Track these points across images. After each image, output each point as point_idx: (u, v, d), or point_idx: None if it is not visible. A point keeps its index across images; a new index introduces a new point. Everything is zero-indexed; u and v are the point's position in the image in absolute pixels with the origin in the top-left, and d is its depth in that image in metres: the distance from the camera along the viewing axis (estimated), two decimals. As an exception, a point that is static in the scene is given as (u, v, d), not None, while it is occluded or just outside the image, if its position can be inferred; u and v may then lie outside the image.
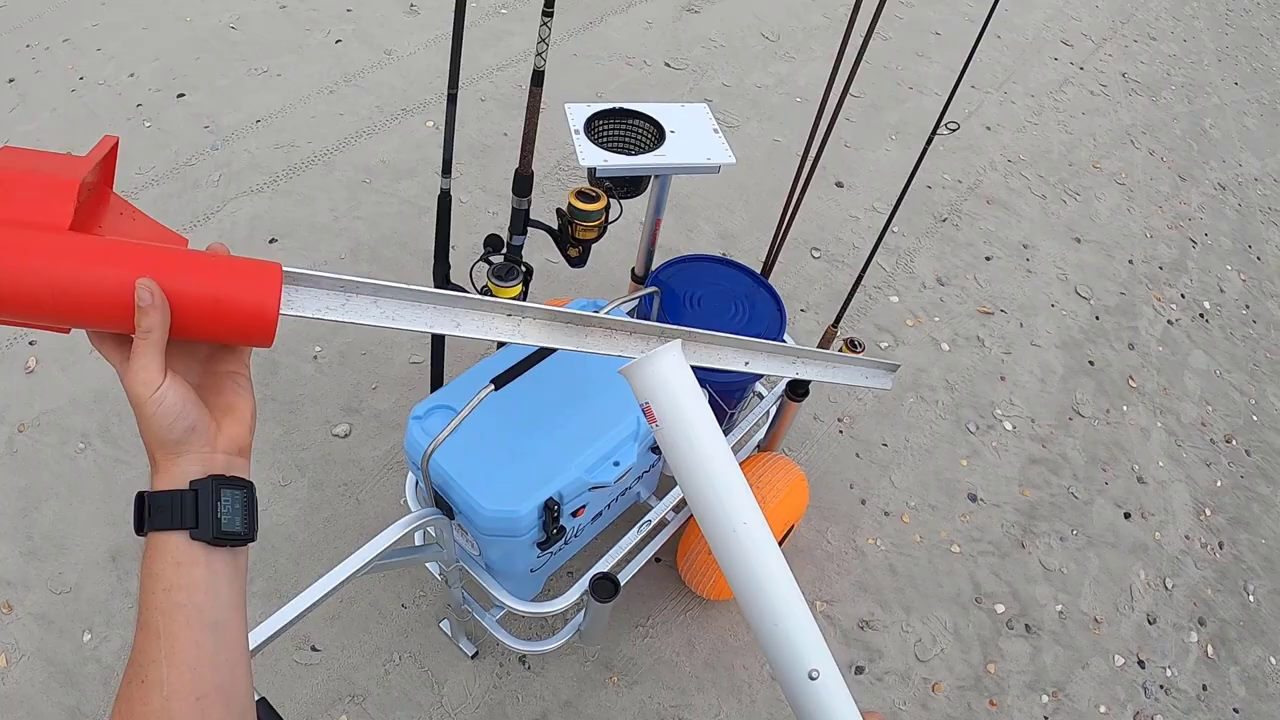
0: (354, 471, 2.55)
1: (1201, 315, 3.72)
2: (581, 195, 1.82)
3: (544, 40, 1.62)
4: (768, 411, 2.32)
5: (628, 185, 1.91)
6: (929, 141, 2.02)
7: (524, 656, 2.24)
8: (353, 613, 2.27)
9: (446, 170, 1.78)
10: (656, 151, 1.86)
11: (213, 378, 0.72)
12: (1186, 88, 5.24)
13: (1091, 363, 3.36)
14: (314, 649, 2.20)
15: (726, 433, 1.94)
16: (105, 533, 2.35)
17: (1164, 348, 3.52)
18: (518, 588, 1.82)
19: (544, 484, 1.60)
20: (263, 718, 1.19)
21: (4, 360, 2.69)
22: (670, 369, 0.81)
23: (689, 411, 0.82)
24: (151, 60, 3.87)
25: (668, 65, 4.35)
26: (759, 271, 2.26)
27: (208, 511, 0.66)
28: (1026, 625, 2.54)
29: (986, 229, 3.82)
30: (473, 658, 2.22)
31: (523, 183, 1.82)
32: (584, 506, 1.76)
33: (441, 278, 1.96)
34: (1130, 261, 3.87)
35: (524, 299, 1.86)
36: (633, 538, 1.91)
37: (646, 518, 1.94)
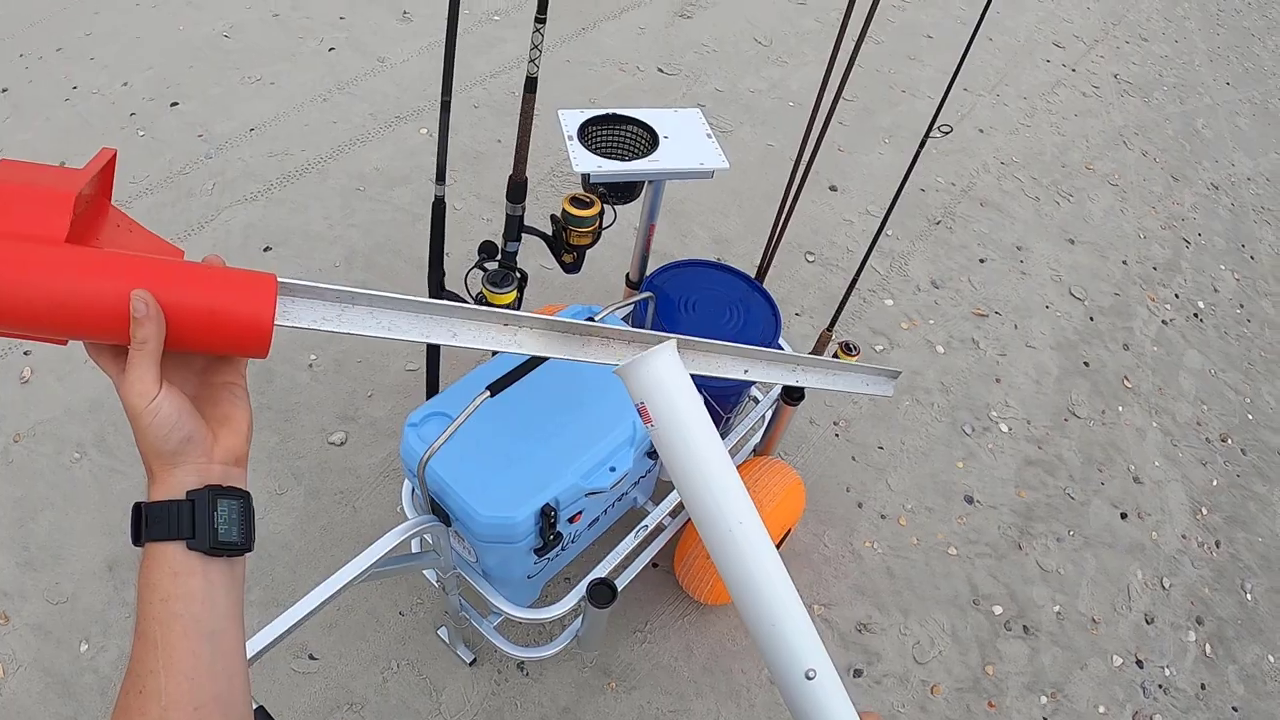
0: (350, 479, 2.55)
1: (1196, 315, 3.73)
2: (575, 201, 1.82)
3: (537, 47, 1.62)
4: (763, 415, 2.32)
5: (622, 191, 1.92)
6: (922, 144, 2.03)
7: (522, 663, 2.24)
8: (350, 621, 2.27)
9: (440, 177, 1.78)
10: (650, 157, 1.86)
11: (209, 388, 0.73)
12: (1178, 88, 5.25)
13: (1086, 364, 3.37)
14: (311, 657, 2.20)
15: (722, 437, 1.94)
16: (102, 543, 2.35)
17: (1159, 348, 3.53)
18: (515, 594, 1.82)
19: (540, 490, 1.60)
20: (261, 727, 1.19)
21: (-1, 371, 2.69)
22: (665, 368, 0.81)
23: (684, 411, 0.82)
24: (145, 69, 3.87)
25: (661, 71, 4.36)
26: (753, 276, 2.27)
27: (204, 521, 0.66)
28: (1024, 626, 2.55)
29: (980, 231, 3.83)
30: (471, 665, 2.21)
31: (517, 189, 1.82)
32: (580, 512, 1.76)
33: (436, 285, 1.96)
34: (1124, 262, 3.88)
35: (519, 305, 1.86)
36: (630, 543, 1.91)
37: (643, 523, 1.94)
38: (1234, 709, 2.50)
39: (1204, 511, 2.98)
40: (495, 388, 1.53)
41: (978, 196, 4.01)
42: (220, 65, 3.96)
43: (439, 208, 1.84)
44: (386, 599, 2.31)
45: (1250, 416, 3.37)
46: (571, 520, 1.74)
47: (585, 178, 1.82)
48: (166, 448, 0.66)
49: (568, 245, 1.89)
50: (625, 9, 4.76)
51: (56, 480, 2.46)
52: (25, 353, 2.73)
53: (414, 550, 1.96)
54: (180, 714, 0.63)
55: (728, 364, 0.97)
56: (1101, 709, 2.42)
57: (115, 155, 0.72)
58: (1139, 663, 2.54)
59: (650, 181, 1.95)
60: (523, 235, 1.90)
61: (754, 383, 2.32)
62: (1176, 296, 3.79)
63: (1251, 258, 4.14)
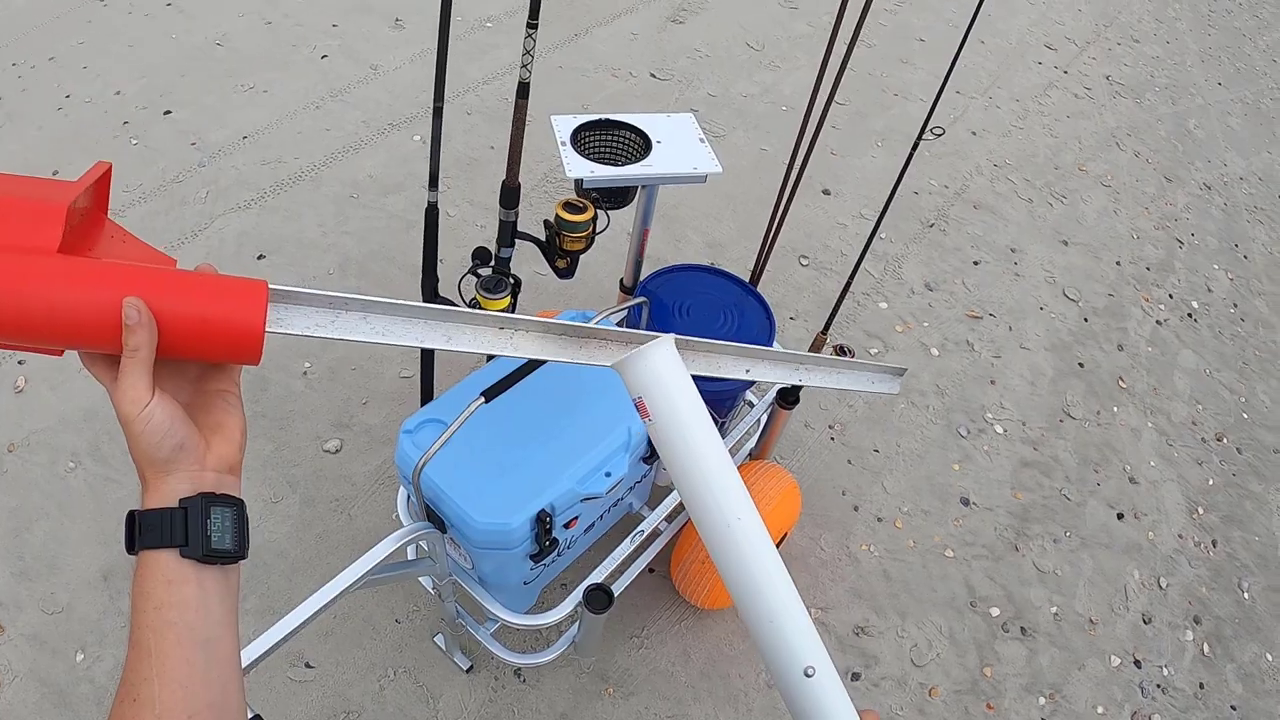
0: (345, 487, 2.54)
1: (1190, 315, 3.74)
2: (569, 207, 1.83)
3: (529, 53, 1.62)
4: (759, 420, 2.32)
5: (615, 196, 1.92)
6: (914, 147, 2.03)
7: (519, 669, 2.24)
8: (346, 629, 2.26)
9: (433, 184, 1.78)
10: (643, 162, 1.86)
11: (203, 396, 0.73)
12: (1170, 89, 5.27)
13: (1081, 364, 3.37)
14: (308, 666, 2.19)
15: (718, 441, 1.94)
16: (97, 552, 2.34)
17: (1153, 348, 3.53)
18: (511, 600, 1.81)
19: (536, 496, 1.60)
20: (256, 736, 1.19)
21: (-8, 381, 2.68)
22: (663, 363, 0.81)
23: (682, 406, 0.81)
24: (138, 78, 3.87)
25: (653, 76, 4.36)
26: (747, 280, 2.27)
27: (197, 529, 0.66)
28: (1022, 628, 2.55)
29: (974, 233, 3.84)
30: (468, 672, 2.21)
31: (510, 195, 1.82)
32: (576, 518, 1.75)
33: (430, 291, 1.96)
34: (1118, 263, 3.89)
35: (513, 311, 1.86)
36: (626, 548, 1.91)
37: (639, 528, 1.94)
38: (1232, 708, 2.50)
39: (1200, 511, 2.98)
40: (490, 394, 1.52)
41: (971, 199, 4.02)
42: (213, 73, 3.96)
43: (432, 214, 1.84)
44: (383, 606, 2.31)
45: (1245, 415, 3.37)
46: (567, 526, 1.74)
47: (578, 183, 1.83)
48: (159, 455, 0.66)
49: (561, 251, 1.89)
50: (617, 14, 4.77)
51: (51, 490, 2.45)
52: (19, 362, 2.72)
53: (410, 557, 1.95)
54: (174, 722, 0.63)
55: (729, 364, 0.96)
56: (1100, 709, 2.42)
57: (111, 168, 0.72)
58: (1137, 663, 2.54)
59: (643, 186, 1.95)
60: (516, 241, 1.90)
61: (752, 384, 2.32)
62: (1170, 297, 3.80)
63: (1245, 257, 4.15)
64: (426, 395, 2.19)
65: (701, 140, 1.94)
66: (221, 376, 0.74)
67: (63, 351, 0.67)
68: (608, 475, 1.69)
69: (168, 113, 3.71)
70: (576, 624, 1.86)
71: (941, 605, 2.55)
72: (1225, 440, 3.26)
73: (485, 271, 1.86)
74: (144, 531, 0.66)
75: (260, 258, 3.14)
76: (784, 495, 2.25)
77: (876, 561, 2.61)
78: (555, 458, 1.67)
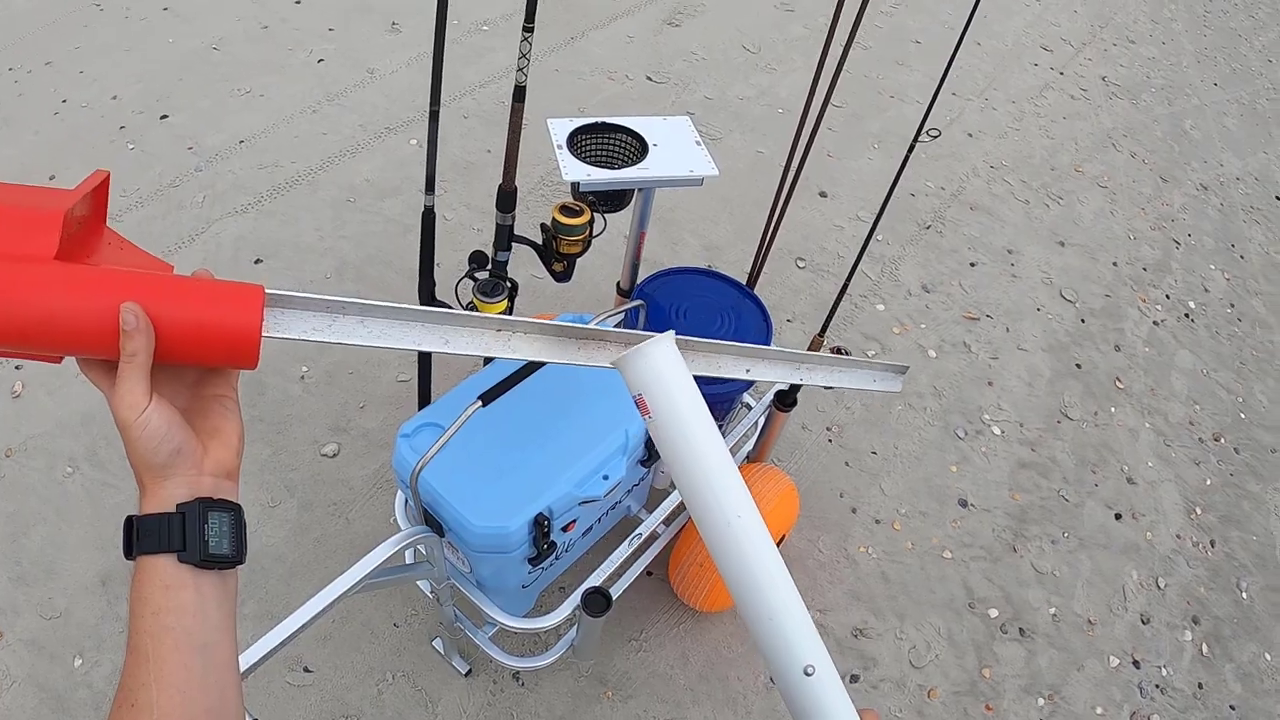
0: (343, 491, 2.54)
1: (1187, 315, 3.75)
2: (565, 210, 1.83)
3: (525, 56, 1.62)
4: (756, 422, 2.32)
5: (611, 199, 1.92)
6: (911, 149, 2.03)
7: (518, 673, 2.24)
8: (344, 633, 2.26)
9: (430, 188, 1.79)
10: (639, 165, 1.86)
11: (200, 401, 0.73)
12: (1166, 90, 5.28)
13: (1078, 365, 3.37)
14: (306, 670, 2.19)
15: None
16: (94, 557, 2.34)
17: (1150, 349, 3.54)
18: (509, 604, 1.81)
19: (533, 499, 1.60)
20: (255, 741, 1.19)
21: (-11, 387, 2.68)
22: (663, 360, 0.81)
23: (683, 403, 0.81)
24: (134, 82, 3.87)
25: (649, 79, 4.37)
26: (744, 283, 2.27)
27: (194, 534, 0.66)
28: (1020, 629, 2.55)
29: (970, 235, 3.84)
30: (466, 675, 2.21)
31: (506, 199, 1.82)
32: (574, 521, 1.76)
33: (427, 295, 1.96)
34: (1114, 264, 3.89)
35: (509, 315, 1.86)
36: (624, 551, 1.91)
37: (637, 531, 1.94)
38: (1231, 708, 2.51)
39: (1198, 511, 2.99)
40: (487, 397, 1.53)
41: (967, 200, 4.02)
42: (209, 78, 3.96)
43: (429, 218, 1.84)
44: (381, 611, 2.31)
45: (1243, 415, 3.38)
46: (565, 529, 1.74)
47: (575, 186, 1.83)
48: (156, 460, 0.67)
49: (558, 254, 1.89)
50: (614, 18, 4.77)
51: (49, 495, 2.45)
52: (16, 367, 2.72)
53: (408, 561, 1.95)
54: (172, 728, 0.63)
55: (729, 363, 0.96)
56: (1099, 710, 2.42)
57: (109, 177, 0.73)
58: (1136, 663, 2.54)
59: (640, 189, 1.95)
60: (513, 244, 1.90)
61: (748, 388, 2.32)
62: (1167, 297, 3.81)
63: (1241, 257, 4.16)
64: (424, 399, 2.19)
65: (698, 143, 1.95)
66: (219, 382, 0.74)
67: (61, 359, 0.68)
68: (605, 478, 1.69)
69: (164, 117, 3.71)
70: (575, 627, 1.86)
71: (940, 607, 2.55)
72: (1223, 440, 3.26)
73: (482, 275, 1.86)
74: (141, 537, 0.66)
75: (257, 262, 3.14)
76: (782, 498, 2.25)
77: (874, 563, 2.61)
78: (553, 461, 1.67)
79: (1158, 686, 2.50)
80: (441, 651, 2.23)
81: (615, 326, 2.00)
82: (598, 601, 1.69)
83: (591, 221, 1.85)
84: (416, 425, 1.68)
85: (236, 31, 4.25)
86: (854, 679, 2.36)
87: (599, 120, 1.94)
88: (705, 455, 0.81)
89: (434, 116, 1.69)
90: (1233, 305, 3.87)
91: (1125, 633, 2.60)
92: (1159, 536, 2.87)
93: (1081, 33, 5.64)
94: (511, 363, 1.69)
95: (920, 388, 3.13)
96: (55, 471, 2.50)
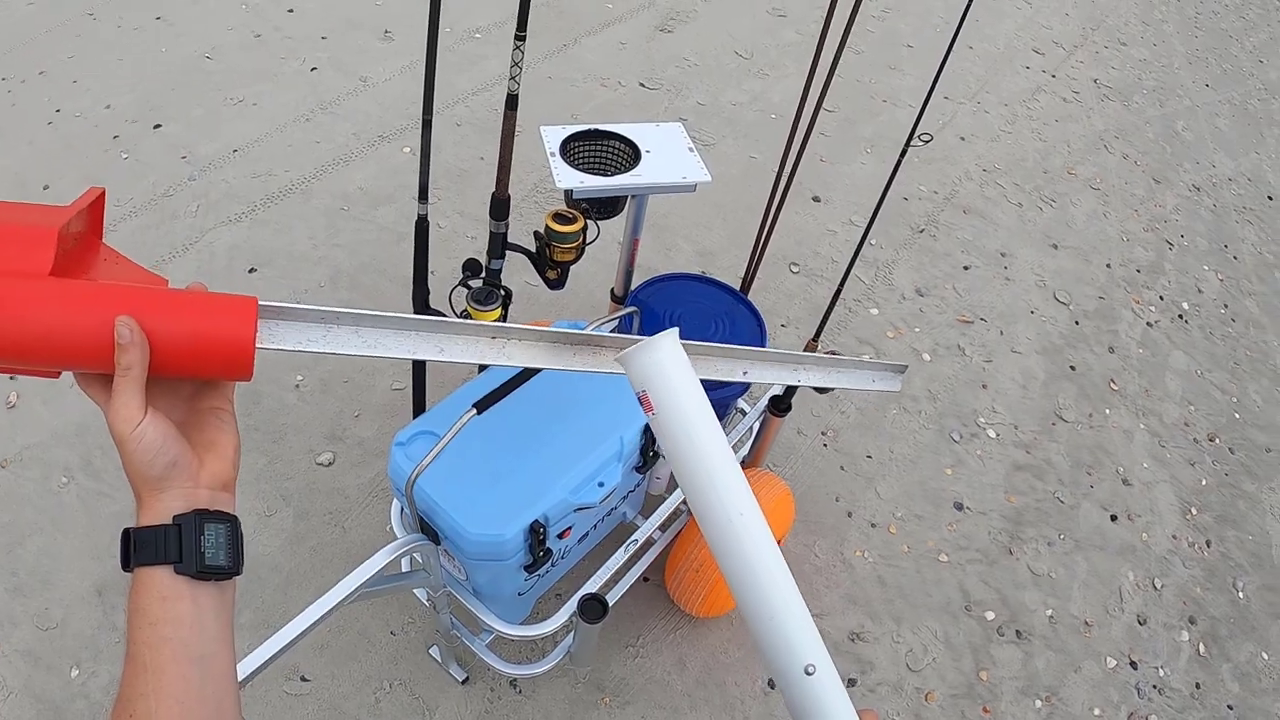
0: (339, 500, 2.54)
1: (1180, 316, 3.76)
2: (558, 217, 1.83)
3: (517, 64, 1.62)
4: (751, 428, 2.32)
5: (605, 206, 1.92)
6: (903, 153, 2.04)
7: (515, 680, 2.23)
8: (341, 641, 2.26)
9: (423, 196, 1.79)
10: (633, 172, 1.87)
11: (196, 414, 0.73)
12: (1158, 91, 5.30)
13: (1073, 367, 3.38)
14: (303, 679, 2.18)
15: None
16: (90, 567, 2.34)
17: (1144, 350, 3.55)
18: (506, 611, 1.81)
19: (529, 507, 1.60)
20: (252, 751, 1.19)
21: (-17, 398, 2.68)
22: (667, 355, 0.81)
23: (686, 399, 0.81)
24: (128, 92, 3.87)
25: (642, 85, 4.37)
26: (738, 288, 2.27)
27: (191, 546, 0.67)
28: (1017, 631, 2.55)
29: (964, 238, 3.85)
30: (463, 683, 2.20)
31: (500, 206, 1.82)
32: (570, 528, 1.76)
33: (421, 303, 1.96)
34: (1108, 265, 3.90)
35: (504, 322, 1.86)
36: (620, 558, 1.91)
37: (633, 537, 1.94)
38: (1229, 707, 2.51)
39: (1194, 511, 2.99)
40: (481, 405, 1.53)
41: (960, 204, 4.03)
42: (203, 87, 3.96)
43: (422, 226, 1.84)
44: (378, 619, 2.30)
45: (1237, 415, 3.39)
46: (561, 536, 1.74)
47: (568, 194, 1.83)
48: (152, 473, 0.67)
49: (552, 261, 1.89)
50: (606, 24, 4.78)
51: (44, 505, 2.45)
52: (11, 378, 2.71)
53: (404, 569, 1.95)
54: (170, 738, 0.63)
55: (727, 366, 0.96)
56: (1097, 711, 2.42)
57: (104, 194, 0.73)
58: (1133, 664, 2.54)
59: (633, 196, 1.96)
60: (507, 252, 1.90)
61: (743, 392, 2.33)
62: (1161, 298, 3.82)
63: (1234, 258, 4.17)
64: (419, 407, 2.19)
65: (691, 149, 1.95)
66: (214, 393, 0.74)
67: (59, 374, 0.68)
68: (601, 485, 1.69)
69: (158, 126, 3.71)
70: (571, 634, 1.85)
71: (936, 610, 2.55)
72: (1218, 440, 3.27)
73: (476, 283, 1.86)
74: (138, 549, 0.66)
75: (251, 271, 3.14)
76: (777, 503, 2.25)
77: (871, 567, 2.61)
78: (548, 468, 1.67)
79: (1155, 687, 2.51)
80: (439, 659, 2.23)
81: (610, 333, 2.00)
82: (594, 608, 1.69)
83: (585, 228, 1.85)
84: (412, 433, 1.68)
85: (229, 40, 4.26)
86: (851, 683, 2.36)
87: (592, 127, 1.94)
88: (709, 453, 0.81)
89: (427, 124, 1.69)
90: (1226, 306, 3.88)
91: (1122, 634, 2.61)
92: (1155, 537, 2.88)
93: (1073, 35, 5.67)
94: (506, 370, 1.69)
95: (915, 391, 3.13)
96: (50, 482, 2.50)
